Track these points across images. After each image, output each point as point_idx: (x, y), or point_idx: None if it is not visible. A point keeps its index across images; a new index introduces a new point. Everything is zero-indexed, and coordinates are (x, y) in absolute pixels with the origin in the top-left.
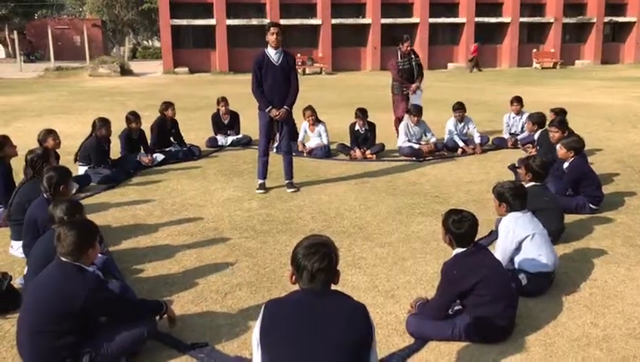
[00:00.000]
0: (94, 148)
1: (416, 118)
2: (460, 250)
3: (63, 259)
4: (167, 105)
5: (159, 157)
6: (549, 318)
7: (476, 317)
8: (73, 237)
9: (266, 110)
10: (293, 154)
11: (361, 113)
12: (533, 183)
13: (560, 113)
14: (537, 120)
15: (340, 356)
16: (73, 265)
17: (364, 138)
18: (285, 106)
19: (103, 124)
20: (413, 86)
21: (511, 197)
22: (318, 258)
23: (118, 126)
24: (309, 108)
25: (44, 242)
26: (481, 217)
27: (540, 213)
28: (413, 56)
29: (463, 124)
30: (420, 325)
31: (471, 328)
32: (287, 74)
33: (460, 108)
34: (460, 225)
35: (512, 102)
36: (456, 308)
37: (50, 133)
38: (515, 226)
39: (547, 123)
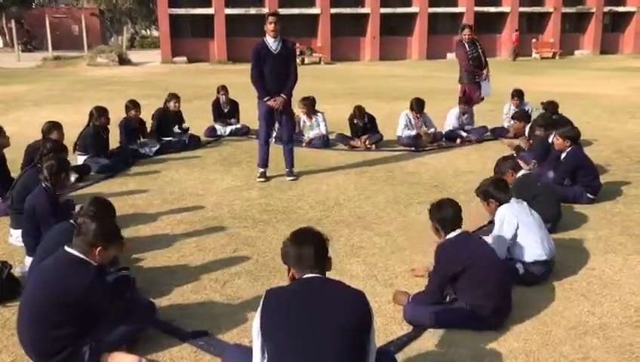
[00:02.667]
0: (93, 137)
1: (418, 116)
2: (451, 234)
3: (69, 249)
4: (171, 97)
5: (155, 146)
6: (546, 307)
7: (471, 303)
8: (90, 230)
9: (264, 99)
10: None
11: (359, 111)
12: (522, 173)
13: (548, 107)
14: (520, 116)
15: (340, 342)
16: (78, 257)
17: (363, 130)
18: (282, 95)
19: (101, 112)
20: (485, 73)
21: (495, 191)
22: (304, 248)
23: (118, 115)
24: (304, 99)
25: (58, 234)
26: (480, 207)
27: (535, 200)
28: (478, 43)
29: (465, 115)
30: (417, 313)
31: (467, 314)
32: (286, 62)
33: (467, 101)
34: (440, 208)
35: (512, 97)
36: (451, 297)
37: (55, 126)
38: (510, 215)
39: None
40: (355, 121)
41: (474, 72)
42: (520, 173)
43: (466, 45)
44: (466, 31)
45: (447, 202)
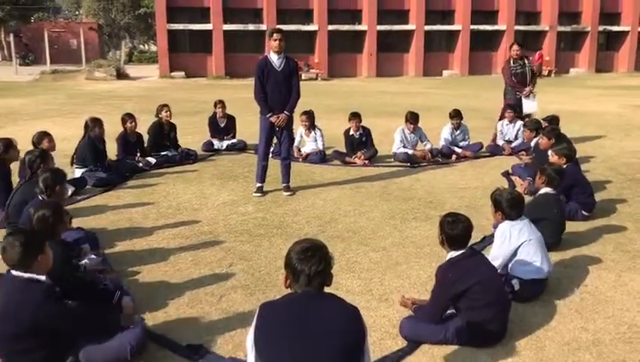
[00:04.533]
0: (89, 147)
1: (412, 126)
2: (454, 253)
3: (13, 272)
4: (161, 107)
5: (152, 160)
6: (540, 323)
7: (469, 321)
8: (19, 247)
9: (267, 116)
10: (291, 159)
11: (354, 116)
12: (546, 191)
13: (552, 121)
14: (534, 127)
15: (333, 358)
16: (22, 279)
17: (359, 142)
18: (285, 112)
19: (96, 123)
20: (527, 89)
21: (507, 208)
22: (315, 261)
23: (115, 130)
24: (305, 113)
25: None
26: (475, 223)
27: (540, 223)
28: (526, 61)
29: (459, 131)
30: (413, 328)
31: (463, 332)
32: (289, 79)
33: (456, 115)
34: (453, 226)
35: (506, 110)
36: (449, 311)
37: (45, 135)
38: (512, 233)
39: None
40: (351, 133)
41: (515, 87)
42: (543, 191)
43: (511, 61)
44: (514, 47)
45: (461, 219)
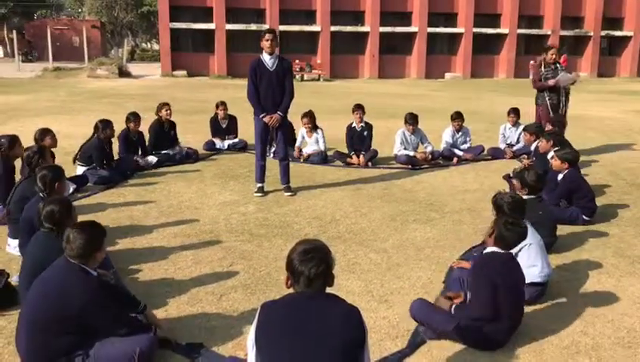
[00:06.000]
0: (96, 149)
1: (411, 127)
2: (493, 249)
3: (70, 260)
4: (162, 105)
5: (153, 159)
6: (539, 326)
7: (480, 326)
8: (82, 241)
9: (260, 116)
10: (290, 159)
11: (358, 107)
12: (527, 196)
13: (555, 125)
14: (534, 130)
15: (334, 358)
16: (79, 267)
17: (359, 136)
18: (278, 112)
19: (106, 125)
20: (550, 82)
21: (509, 211)
22: (315, 263)
23: (117, 128)
24: (307, 114)
25: (38, 243)
26: (475, 226)
27: (532, 225)
28: (558, 65)
29: (460, 133)
30: (424, 311)
31: (470, 332)
32: (282, 79)
33: (458, 117)
34: (510, 228)
35: (508, 113)
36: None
37: (47, 132)
38: None
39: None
40: (353, 125)
41: (536, 87)
42: (525, 197)
43: (542, 65)
44: (550, 52)
45: (521, 225)
